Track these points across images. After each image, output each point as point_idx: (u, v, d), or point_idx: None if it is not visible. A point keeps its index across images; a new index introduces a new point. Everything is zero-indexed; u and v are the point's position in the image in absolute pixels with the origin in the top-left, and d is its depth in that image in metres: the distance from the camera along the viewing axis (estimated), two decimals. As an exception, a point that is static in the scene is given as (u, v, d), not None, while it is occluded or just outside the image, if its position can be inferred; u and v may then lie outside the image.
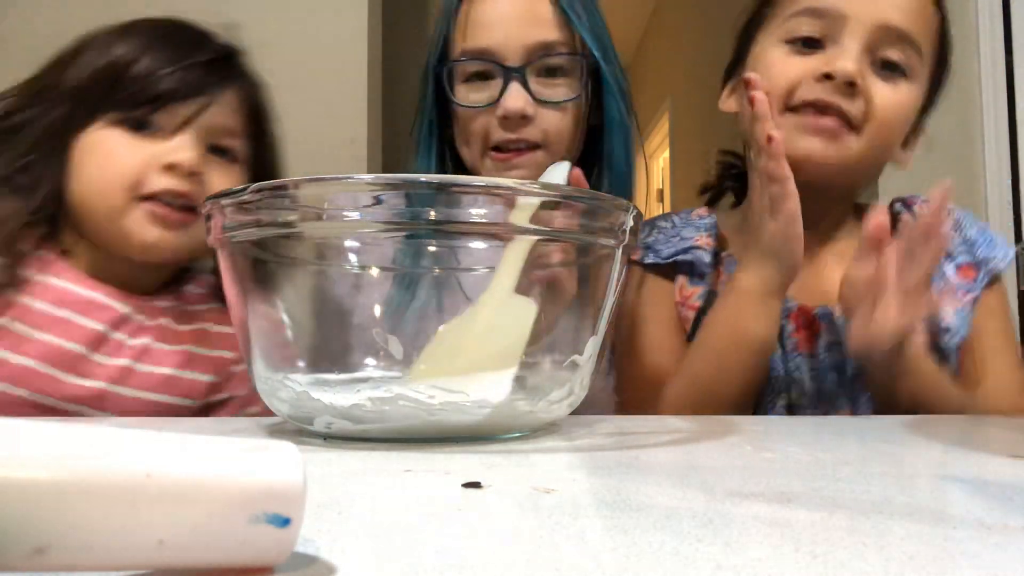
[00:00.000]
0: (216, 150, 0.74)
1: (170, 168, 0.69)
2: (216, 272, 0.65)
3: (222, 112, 0.73)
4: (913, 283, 0.59)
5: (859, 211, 0.79)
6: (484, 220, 0.42)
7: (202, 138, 0.72)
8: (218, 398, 0.77)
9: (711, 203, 0.85)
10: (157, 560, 0.17)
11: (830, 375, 0.71)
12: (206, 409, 0.76)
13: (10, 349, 0.67)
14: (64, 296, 0.70)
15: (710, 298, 0.74)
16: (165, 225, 0.69)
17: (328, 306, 0.51)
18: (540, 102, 0.76)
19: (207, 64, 0.73)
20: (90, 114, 0.70)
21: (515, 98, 0.75)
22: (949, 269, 0.74)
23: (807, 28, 0.71)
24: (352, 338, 0.49)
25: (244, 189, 0.42)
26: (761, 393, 0.70)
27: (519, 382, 0.45)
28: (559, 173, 0.58)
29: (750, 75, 0.65)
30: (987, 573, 0.19)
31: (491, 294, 0.46)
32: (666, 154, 3.85)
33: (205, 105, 0.72)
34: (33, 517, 0.15)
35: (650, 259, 0.78)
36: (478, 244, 0.49)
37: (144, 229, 0.69)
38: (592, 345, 0.46)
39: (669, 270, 0.78)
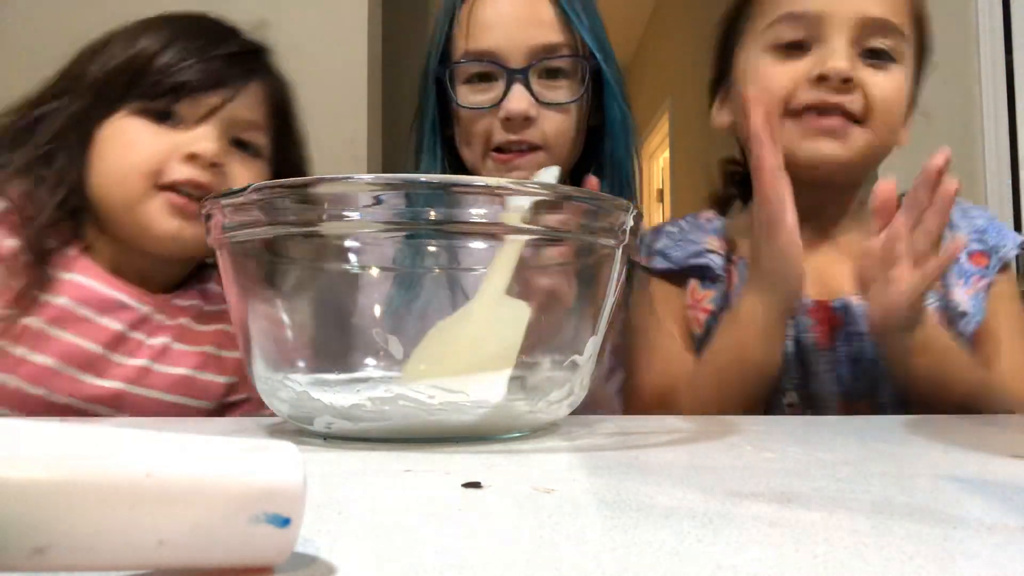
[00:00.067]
0: (239, 144, 0.73)
1: (192, 158, 0.69)
2: None
3: (245, 105, 0.73)
4: (922, 247, 0.58)
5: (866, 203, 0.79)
6: (486, 220, 0.42)
7: (224, 130, 0.72)
8: (235, 399, 0.77)
9: (720, 212, 0.84)
10: (157, 560, 0.17)
11: (850, 368, 0.70)
12: (221, 409, 0.76)
13: (31, 348, 0.66)
14: (86, 295, 0.69)
15: (724, 301, 0.74)
16: (184, 216, 0.69)
17: (328, 306, 0.51)
18: (542, 104, 0.76)
19: (231, 57, 0.73)
20: (113, 104, 0.70)
21: (518, 100, 0.75)
22: (962, 257, 0.74)
23: (790, 33, 0.72)
24: (352, 338, 0.49)
25: (244, 189, 0.42)
26: (778, 389, 0.70)
27: (519, 382, 0.45)
28: (548, 178, 0.58)
29: (750, 94, 0.64)
30: (987, 573, 0.19)
31: (482, 296, 0.45)
32: (666, 154, 3.85)
33: (229, 97, 0.71)
34: (33, 517, 0.15)
35: (662, 265, 0.78)
36: (479, 244, 0.49)
37: (163, 219, 0.69)
38: (592, 345, 0.46)
39: (680, 275, 0.78)
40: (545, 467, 0.35)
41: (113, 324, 0.70)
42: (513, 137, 0.76)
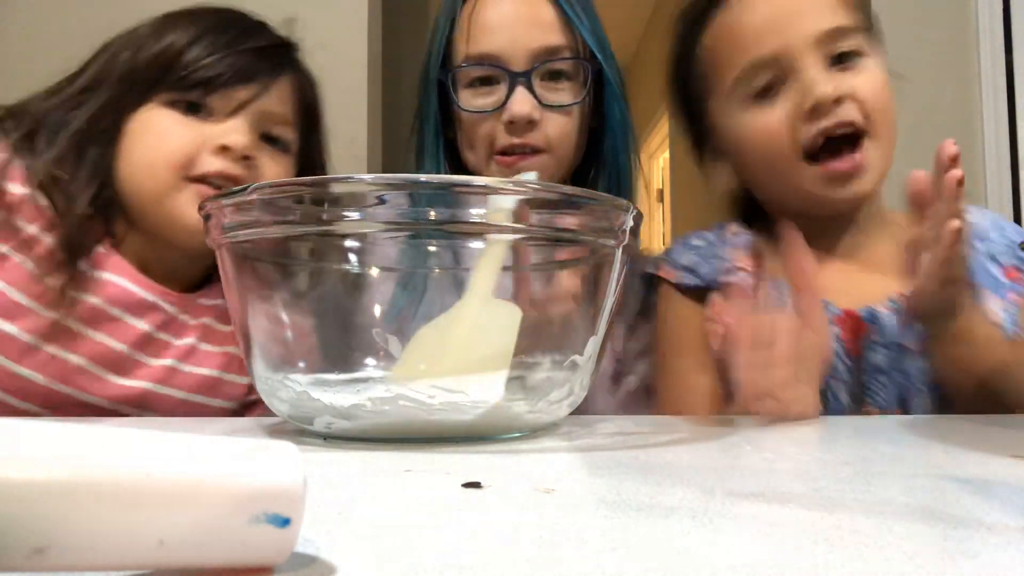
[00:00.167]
0: (268, 139, 0.73)
1: (223, 150, 0.69)
2: None
3: (276, 100, 0.73)
4: (931, 233, 0.57)
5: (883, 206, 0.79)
6: (485, 220, 0.42)
7: (255, 124, 0.71)
8: (254, 398, 0.76)
9: (745, 224, 0.82)
10: (157, 560, 0.17)
11: (876, 377, 0.70)
12: (241, 410, 0.76)
13: (61, 346, 0.66)
14: (117, 294, 0.69)
15: None
16: None
17: (328, 306, 0.51)
18: (545, 106, 0.76)
19: (261, 51, 0.73)
20: (143, 95, 0.70)
21: (521, 103, 0.75)
22: (995, 270, 0.73)
23: (761, 79, 0.72)
24: (352, 338, 0.49)
25: (244, 189, 0.42)
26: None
27: (519, 382, 0.45)
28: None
29: (788, 244, 0.61)
30: (987, 573, 0.19)
31: (470, 298, 0.45)
32: (666, 154, 3.85)
33: (259, 91, 0.71)
34: (33, 517, 0.15)
35: (691, 281, 0.76)
36: (480, 244, 0.49)
37: (191, 210, 0.68)
38: (592, 345, 0.46)
39: (706, 290, 0.76)
40: (545, 467, 0.35)
41: (142, 324, 0.70)
42: (516, 140, 0.76)
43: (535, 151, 0.77)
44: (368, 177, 0.44)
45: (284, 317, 0.48)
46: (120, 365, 0.68)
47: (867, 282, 0.73)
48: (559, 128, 0.77)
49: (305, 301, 0.50)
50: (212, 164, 0.69)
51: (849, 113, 0.69)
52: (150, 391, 0.69)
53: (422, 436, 0.43)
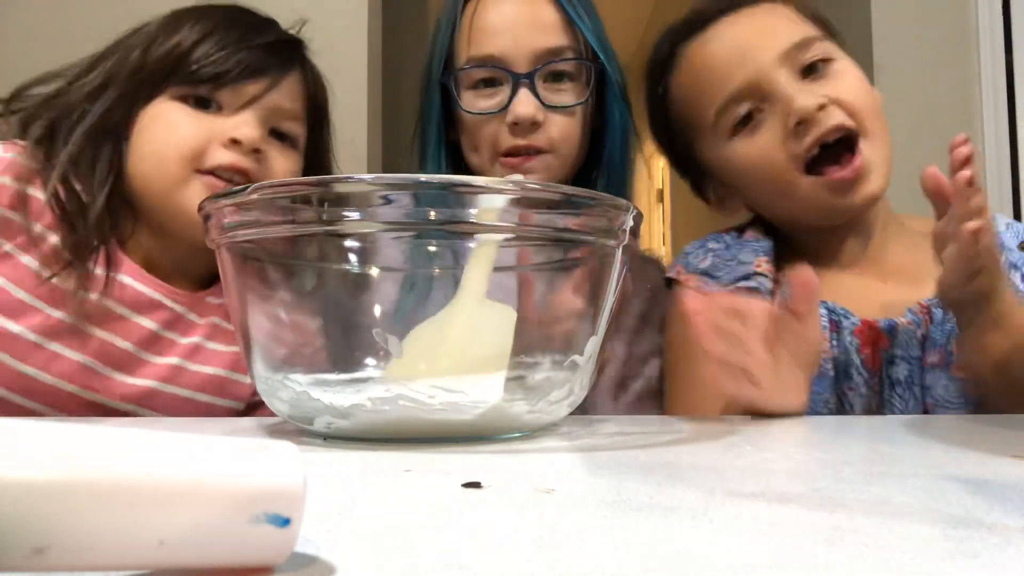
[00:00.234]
0: (277, 134, 0.74)
1: (233, 143, 0.69)
2: None
3: (286, 95, 0.73)
4: (949, 228, 0.57)
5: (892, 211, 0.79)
6: (485, 221, 0.42)
7: (265, 118, 0.72)
8: (260, 399, 0.76)
9: (764, 230, 0.81)
10: (157, 560, 0.17)
11: (897, 390, 0.69)
12: (248, 410, 0.76)
13: (68, 346, 0.66)
14: (123, 293, 0.69)
15: None
16: None
17: (328, 306, 0.51)
18: (548, 107, 0.76)
19: (271, 46, 0.74)
20: (154, 91, 0.70)
21: (525, 104, 0.75)
22: (1017, 279, 0.73)
23: (742, 109, 0.72)
24: (352, 338, 0.49)
25: (244, 189, 0.42)
26: (821, 413, 0.69)
27: (519, 382, 0.45)
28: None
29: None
30: (987, 573, 0.19)
31: (462, 299, 0.45)
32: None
33: (269, 86, 0.72)
34: (33, 517, 0.15)
35: (709, 286, 0.75)
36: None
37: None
38: (592, 345, 0.46)
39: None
40: (545, 467, 0.35)
41: (148, 323, 0.70)
42: (520, 142, 0.76)
43: (539, 152, 0.77)
44: (368, 177, 0.44)
45: (284, 317, 0.48)
46: (126, 363, 0.68)
47: (886, 292, 0.72)
48: (562, 129, 0.77)
49: (305, 301, 0.50)
50: (222, 157, 0.69)
51: (836, 117, 0.69)
52: (156, 389, 0.69)
53: (422, 436, 0.43)
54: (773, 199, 0.76)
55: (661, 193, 4.26)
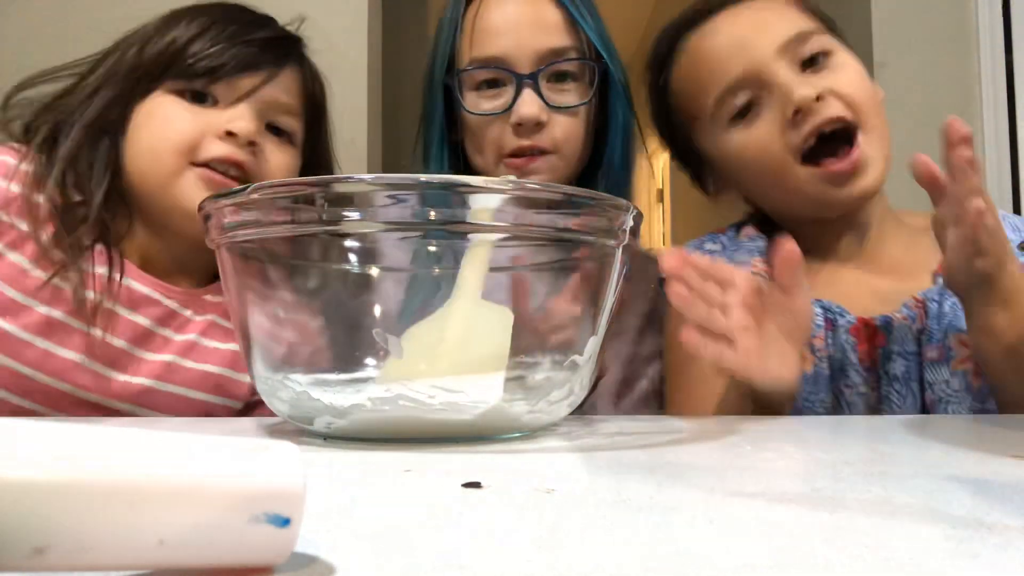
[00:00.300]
0: (274, 130, 0.74)
1: (228, 136, 0.69)
2: None
3: (281, 89, 0.74)
4: (948, 213, 0.56)
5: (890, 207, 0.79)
6: (486, 221, 0.42)
7: (261, 112, 0.72)
8: (259, 398, 0.76)
9: (760, 228, 0.81)
10: (157, 560, 0.17)
11: (895, 387, 0.69)
12: (247, 409, 0.76)
13: (57, 343, 0.66)
14: (112, 289, 0.69)
15: None
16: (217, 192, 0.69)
17: (328, 306, 0.51)
18: (552, 108, 0.76)
19: (267, 41, 0.74)
20: (150, 86, 0.71)
21: (528, 105, 0.75)
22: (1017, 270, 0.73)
23: (739, 99, 0.72)
24: (352, 338, 0.49)
25: (244, 189, 0.42)
26: (818, 413, 0.69)
27: (519, 382, 0.45)
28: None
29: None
30: (987, 573, 0.19)
31: (459, 299, 0.45)
32: (666, 154, 3.85)
33: (265, 79, 0.72)
34: (33, 517, 0.15)
35: None
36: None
37: (195, 195, 0.68)
38: (592, 345, 0.46)
39: None
40: (545, 467, 0.35)
41: (141, 320, 0.70)
42: (525, 143, 0.76)
43: (543, 153, 0.77)
44: (369, 177, 0.44)
45: (284, 317, 0.48)
46: (120, 360, 0.68)
47: (882, 289, 0.72)
48: (566, 129, 0.77)
49: (305, 301, 0.50)
50: (217, 149, 0.69)
51: (834, 109, 0.69)
52: (151, 387, 0.69)
53: (422, 436, 0.43)
54: (769, 189, 0.76)
55: (661, 193, 4.27)
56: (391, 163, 1.59)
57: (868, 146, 0.70)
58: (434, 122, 0.81)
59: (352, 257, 0.50)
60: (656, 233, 4.36)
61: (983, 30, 1.60)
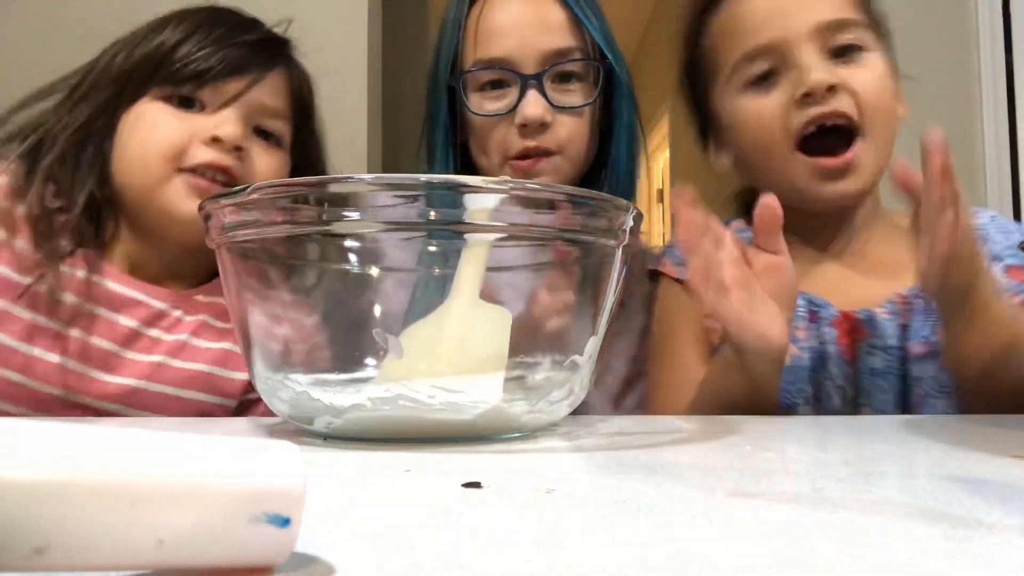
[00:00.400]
0: (261, 133, 0.74)
1: (214, 141, 0.69)
2: None
3: (268, 92, 0.73)
4: (930, 220, 0.55)
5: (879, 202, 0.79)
6: (486, 221, 0.41)
7: (247, 116, 0.72)
8: (254, 396, 0.76)
9: (748, 221, 0.82)
10: (157, 560, 0.17)
11: (875, 380, 0.69)
12: (242, 408, 0.76)
13: (44, 347, 0.66)
14: (101, 294, 0.69)
15: None
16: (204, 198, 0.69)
17: (328, 306, 0.51)
18: (557, 108, 0.76)
19: (254, 44, 0.74)
20: (137, 92, 0.71)
21: (534, 105, 0.75)
22: (998, 271, 0.72)
23: (759, 67, 0.72)
24: (352, 338, 0.49)
25: (244, 189, 0.42)
26: (797, 403, 0.69)
27: (519, 382, 0.45)
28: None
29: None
30: (987, 573, 0.19)
31: (456, 299, 0.45)
32: (666, 154, 3.85)
33: (251, 82, 0.72)
34: (33, 517, 0.15)
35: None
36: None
37: (182, 200, 0.68)
38: (592, 345, 0.46)
39: None
40: (545, 467, 0.35)
41: (127, 321, 0.70)
42: (530, 143, 0.76)
43: (548, 154, 0.77)
44: (368, 177, 0.44)
45: (284, 317, 0.48)
46: (106, 362, 0.68)
47: (866, 284, 0.72)
48: (571, 130, 0.77)
49: (305, 301, 0.50)
50: (203, 155, 0.69)
51: (843, 104, 0.69)
52: (140, 388, 0.69)
53: (422, 436, 0.43)
54: (759, 164, 0.76)
55: (661, 193, 4.26)
56: (391, 163, 1.59)
57: (864, 152, 0.70)
58: (438, 123, 0.81)
59: (352, 257, 0.50)
60: (656, 233, 4.36)
61: (983, 30, 1.60)
